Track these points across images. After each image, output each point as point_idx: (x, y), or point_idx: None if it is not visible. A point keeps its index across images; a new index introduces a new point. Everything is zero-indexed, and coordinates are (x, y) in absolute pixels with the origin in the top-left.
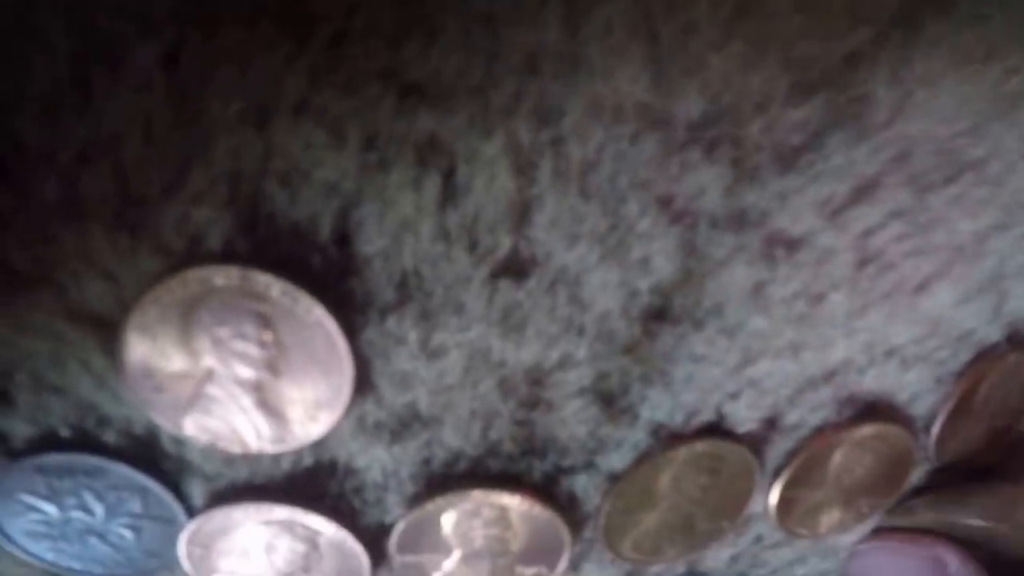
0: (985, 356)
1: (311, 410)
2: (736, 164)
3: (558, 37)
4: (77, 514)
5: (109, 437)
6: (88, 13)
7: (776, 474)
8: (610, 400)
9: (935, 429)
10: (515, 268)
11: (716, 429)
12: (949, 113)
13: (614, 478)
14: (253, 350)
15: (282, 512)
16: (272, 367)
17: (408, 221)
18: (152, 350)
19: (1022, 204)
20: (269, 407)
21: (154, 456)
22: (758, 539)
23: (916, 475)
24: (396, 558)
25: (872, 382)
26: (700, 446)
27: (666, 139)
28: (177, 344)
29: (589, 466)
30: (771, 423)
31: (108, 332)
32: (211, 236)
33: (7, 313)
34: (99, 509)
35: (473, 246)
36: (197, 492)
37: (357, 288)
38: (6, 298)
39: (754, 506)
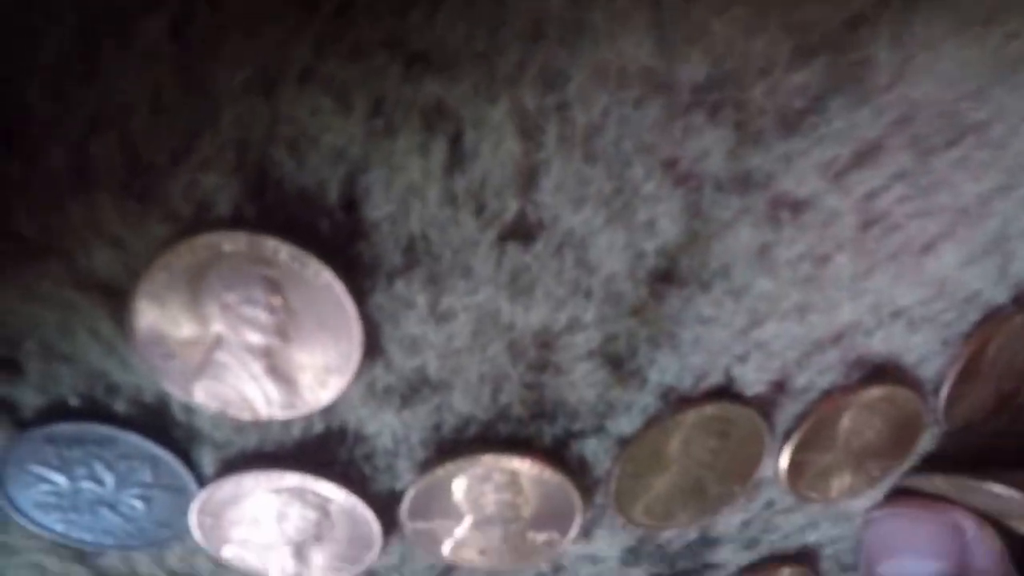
0: (992, 318)
1: (321, 375)
2: (739, 127)
3: (562, 3)
4: (87, 484)
5: (119, 406)
6: None
7: (785, 437)
8: (618, 363)
9: (943, 391)
10: (522, 231)
11: (725, 392)
12: (950, 77)
13: (624, 442)
14: (262, 315)
15: (293, 479)
16: (281, 332)
17: (415, 186)
18: (161, 317)
19: None
20: (279, 373)
21: (164, 425)
22: (769, 504)
23: (926, 438)
24: (407, 525)
25: (879, 344)
26: (709, 409)
27: (670, 103)
28: (186, 310)
29: (599, 430)
30: (779, 386)
31: (117, 299)
32: (219, 202)
33: (16, 282)
34: (109, 479)
35: (480, 210)
36: (207, 460)
37: (365, 252)
38: (15, 267)
39: (764, 470)
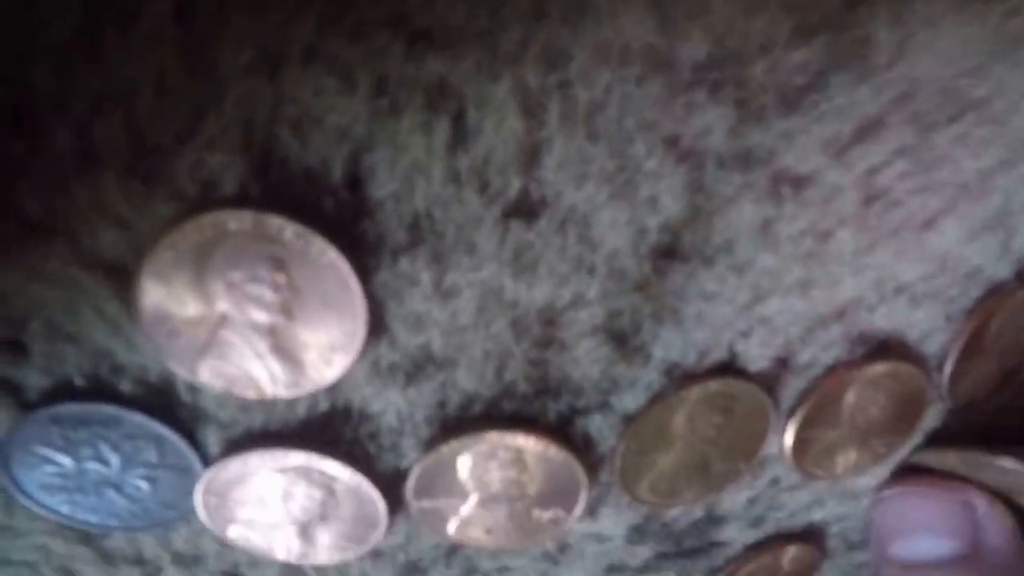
0: (994, 293)
1: (325, 354)
2: (741, 105)
3: None
4: (93, 465)
5: (124, 386)
6: None
7: (790, 414)
8: (622, 339)
9: (947, 367)
10: (525, 209)
11: (729, 368)
12: (950, 54)
13: (628, 419)
14: (267, 293)
15: (298, 458)
16: (286, 310)
17: (419, 164)
18: (166, 296)
19: None
20: (284, 351)
21: (169, 404)
22: (775, 481)
23: (931, 415)
24: (413, 504)
25: (883, 320)
26: (713, 385)
27: (671, 81)
28: (191, 289)
29: (603, 407)
30: (783, 362)
31: (122, 279)
32: (224, 182)
33: (20, 262)
34: (115, 460)
35: (484, 188)
36: (212, 440)
37: (369, 230)
38: (19, 247)
39: (769, 447)
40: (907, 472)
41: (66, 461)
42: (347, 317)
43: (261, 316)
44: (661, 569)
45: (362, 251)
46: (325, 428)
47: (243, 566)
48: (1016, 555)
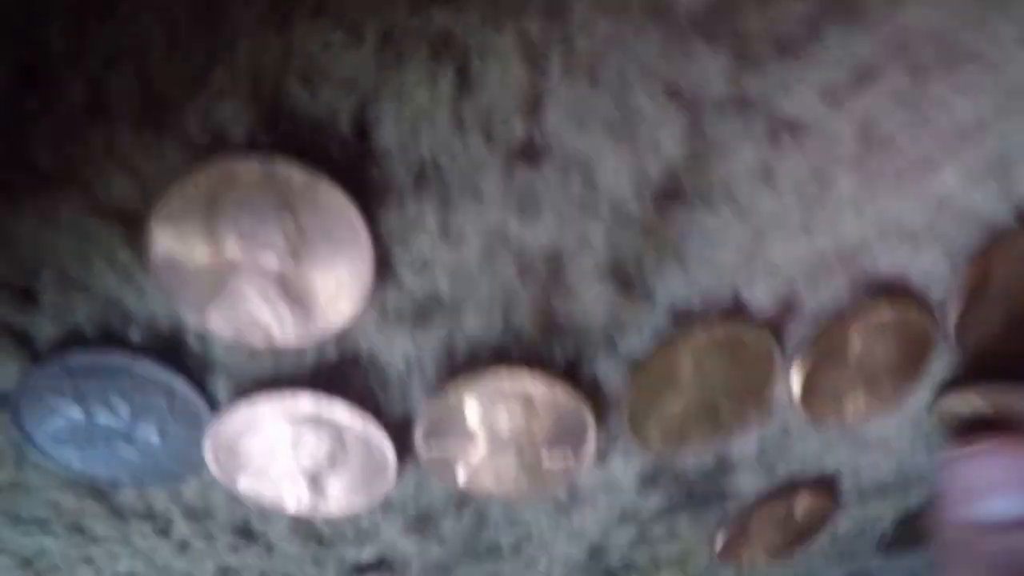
0: (997, 239)
1: (334, 299)
2: (738, 54)
3: None
4: (103, 416)
5: (134, 335)
6: None
7: (797, 359)
8: (627, 282)
9: (951, 312)
10: (530, 155)
11: (734, 313)
12: (944, 4)
13: (636, 363)
14: (276, 239)
15: (307, 407)
16: (295, 256)
17: (425, 113)
18: (177, 243)
19: (1022, 90)
20: (293, 297)
21: (179, 354)
22: (784, 428)
23: (938, 360)
24: (422, 451)
25: (886, 264)
26: (719, 329)
27: (670, 30)
28: (202, 236)
29: (610, 351)
30: (788, 307)
31: (133, 226)
32: (234, 131)
33: (33, 211)
34: (125, 411)
35: (488, 135)
36: (222, 390)
37: (377, 177)
38: (32, 196)
39: (777, 392)
40: (971, 433)
41: (76, 412)
42: (355, 262)
43: (270, 262)
44: (673, 518)
45: (369, 197)
46: (334, 375)
47: (254, 520)
48: None
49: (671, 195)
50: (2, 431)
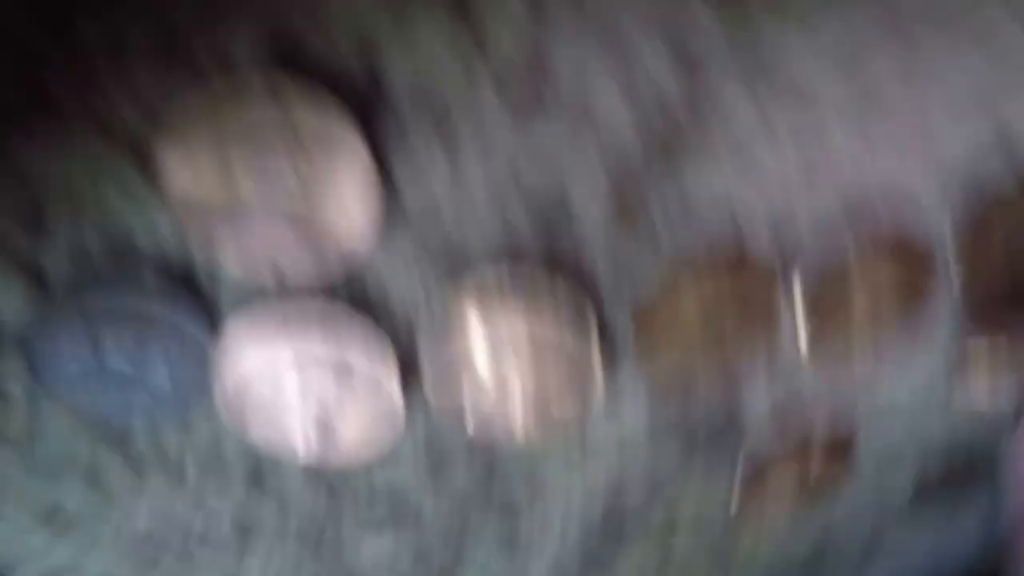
0: (998, 203)
1: (344, 239)
2: (731, 8)
3: None
4: (115, 360)
5: (146, 277)
6: None
7: (801, 315)
8: (632, 223)
9: (955, 271)
10: (533, 98)
11: (739, 264)
12: None
13: (642, 307)
14: (287, 178)
15: (316, 349)
16: (306, 195)
17: (433, 55)
18: (190, 179)
19: (1015, 61)
20: (304, 236)
21: (190, 295)
22: (794, 387)
23: (943, 318)
24: (431, 396)
25: (890, 223)
26: (724, 281)
27: None
28: (215, 174)
29: (617, 295)
30: (791, 262)
31: (145, 159)
32: (246, 70)
33: (45, 145)
34: (136, 354)
35: (494, 78)
36: (233, 332)
37: (387, 118)
38: (44, 130)
39: (786, 348)
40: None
41: (88, 356)
42: (366, 201)
43: (281, 200)
44: (686, 476)
45: (381, 139)
46: (344, 319)
47: (267, 473)
48: None
49: (672, 139)
50: (16, 378)
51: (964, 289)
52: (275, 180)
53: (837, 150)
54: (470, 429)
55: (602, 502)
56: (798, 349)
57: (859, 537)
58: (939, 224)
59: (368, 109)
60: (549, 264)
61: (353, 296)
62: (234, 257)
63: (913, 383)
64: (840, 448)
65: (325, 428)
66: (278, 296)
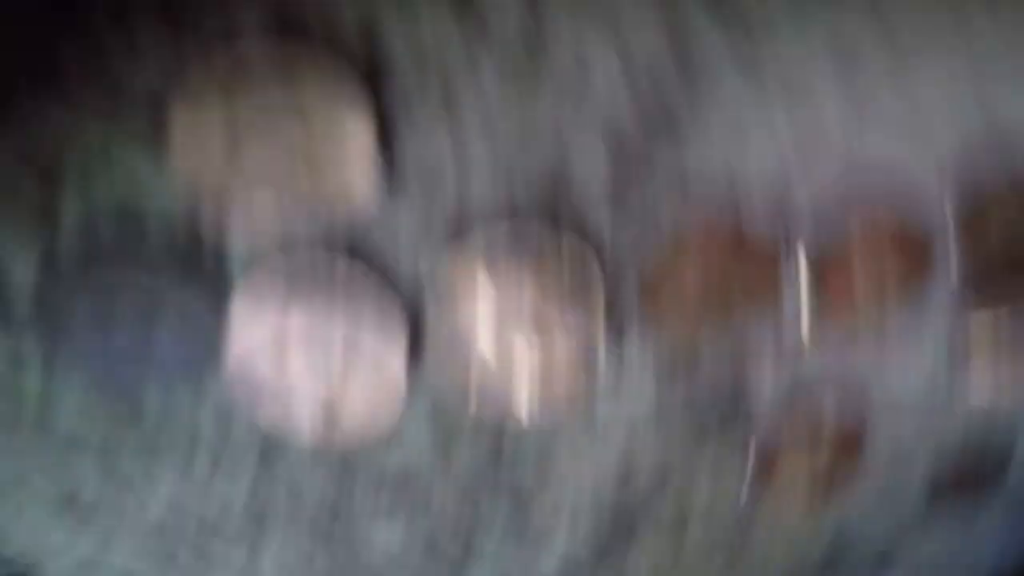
0: (990, 198)
1: (350, 210)
2: None
3: None
4: (120, 332)
5: (153, 249)
6: None
7: (805, 287)
8: (633, 197)
9: (951, 239)
10: (532, 68)
11: (739, 237)
12: None
13: (643, 276)
14: (296, 148)
15: (322, 320)
16: (308, 157)
17: (431, 29)
18: (197, 151)
19: (1005, 43)
20: (310, 208)
21: (197, 269)
22: (797, 355)
23: (943, 302)
24: (433, 373)
25: (882, 198)
26: (726, 251)
27: None
28: (221, 145)
29: (618, 268)
30: (792, 234)
31: (153, 133)
32: (248, 33)
33: (51, 112)
34: (143, 325)
35: (491, 48)
36: (239, 306)
37: (386, 85)
38: (50, 95)
39: (788, 321)
40: None
41: (97, 332)
42: (371, 175)
43: (285, 161)
44: (696, 459)
45: (380, 105)
46: (348, 292)
47: (276, 456)
48: None
49: (663, 115)
50: (30, 349)
51: (962, 275)
52: (283, 152)
53: (832, 130)
54: (475, 406)
55: (612, 491)
56: (802, 329)
57: (874, 541)
58: (939, 207)
59: (372, 80)
60: (552, 236)
61: (359, 268)
62: (241, 230)
63: (919, 370)
64: (850, 441)
65: (331, 404)
66: (284, 268)
